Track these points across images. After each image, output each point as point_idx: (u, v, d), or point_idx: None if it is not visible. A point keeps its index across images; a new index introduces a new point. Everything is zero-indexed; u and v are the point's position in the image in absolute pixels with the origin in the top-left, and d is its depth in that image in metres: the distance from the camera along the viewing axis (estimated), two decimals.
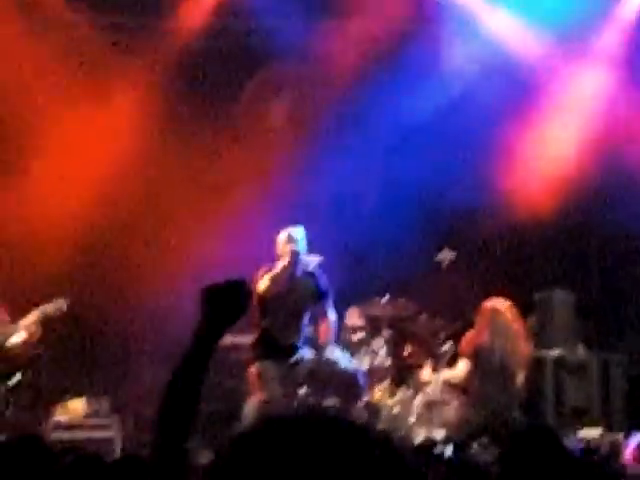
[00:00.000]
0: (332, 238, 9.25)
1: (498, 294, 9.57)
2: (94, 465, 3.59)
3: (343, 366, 8.74)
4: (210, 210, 10.26)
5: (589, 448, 5.92)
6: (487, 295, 9.53)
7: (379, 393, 9.61)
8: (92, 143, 10.25)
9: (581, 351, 10.21)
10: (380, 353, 9.82)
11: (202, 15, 10.82)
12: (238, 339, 9.04)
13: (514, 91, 10.77)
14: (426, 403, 9.39)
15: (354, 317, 9.99)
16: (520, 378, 9.26)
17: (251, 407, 8.45)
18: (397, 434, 9.24)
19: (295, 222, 8.76)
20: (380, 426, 9.26)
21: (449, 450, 7.89)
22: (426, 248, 10.34)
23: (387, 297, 10.04)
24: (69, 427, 9.31)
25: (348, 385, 8.68)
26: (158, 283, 9.91)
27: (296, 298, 8.63)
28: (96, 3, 10.42)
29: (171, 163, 10.51)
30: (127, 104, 10.43)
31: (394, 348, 9.97)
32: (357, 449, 1.29)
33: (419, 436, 9.07)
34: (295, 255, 8.54)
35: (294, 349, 8.64)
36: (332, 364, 8.66)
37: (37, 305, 8.14)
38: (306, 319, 8.79)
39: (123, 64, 10.44)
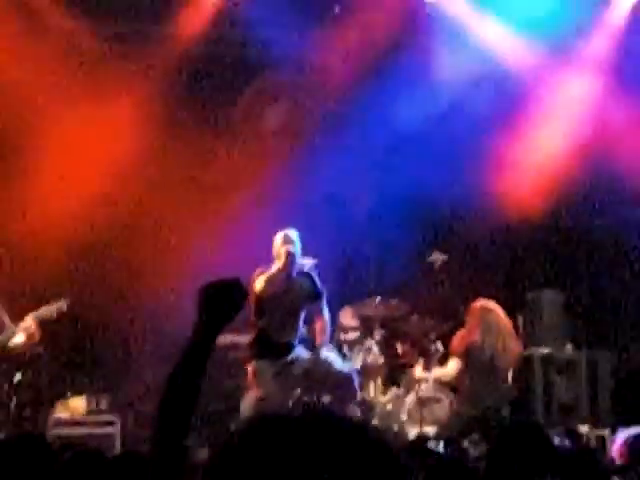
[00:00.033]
0: (326, 240, 9.25)
1: (489, 295, 9.58)
2: (94, 461, 3.59)
3: (338, 367, 8.74)
4: (208, 212, 10.25)
5: (581, 443, 5.92)
6: (478, 296, 9.54)
7: (373, 391, 9.63)
8: (92, 145, 10.23)
9: (569, 349, 10.22)
10: (373, 352, 9.82)
11: (201, 23, 10.82)
12: (236, 338, 9.05)
13: (503, 98, 10.79)
14: (418, 401, 9.40)
15: (348, 317, 9.99)
16: (510, 376, 9.27)
17: (247, 404, 8.45)
18: (390, 431, 9.25)
19: (290, 225, 8.76)
20: (373, 423, 9.27)
21: (440, 446, 7.90)
22: (418, 250, 10.34)
23: (379, 298, 10.06)
24: (70, 424, 9.31)
25: (342, 385, 8.67)
26: (158, 283, 9.90)
27: (292, 298, 8.62)
28: (96, 11, 10.40)
29: (170, 166, 10.50)
30: (126, 108, 10.41)
31: (387, 347, 9.98)
32: (350, 445, 1.28)
33: (411, 433, 9.08)
34: (291, 256, 8.54)
35: (290, 348, 8.64)
36: (327, 365, 8.65)
37: (38, 305, 8.11)
38: (302, 319, 8.79)
39: (123, 69, 10.43)
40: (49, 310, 7.96)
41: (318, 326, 8.74)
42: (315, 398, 8.55)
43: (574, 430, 5.98)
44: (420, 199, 10.48)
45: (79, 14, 10.30)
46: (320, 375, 8.62)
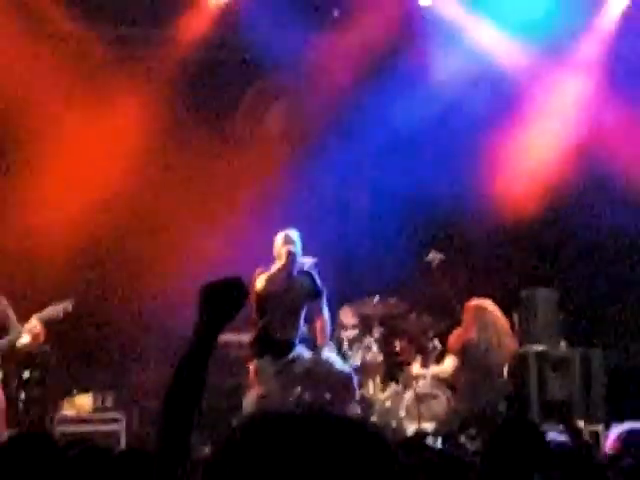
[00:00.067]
0: (326, 240, 9.26)
1: (484, 293, 9.59)
2: (100, 457, 3.60)
3: (338, 367, 8.74)
4: (209, 212, 10.26)
5: (580, 438, 5.93)
6: (474, 294, 9.54)
7: (372, 388, 9.63)
8: (94, 148, 10.23)
9: (563, 347, 10.21)
10: (372, 350, 9.82)
11: (202, 27, 10.81)
12: (238, 337, 9.05)
13: (499, 100, 10.80)
14: (416, 397, 9.41)
15: (347, 316, 9.99)
16: (505, 372, 9.28)
17: (249, 402, 8.45)
18: (389, 427, 9.26)
19: (291, 225, 8.76)
20: (373, 419, 9.27)
21: (439, 442, 7.91)
22: (416, 250, 10.34)
23: (378, 296, 10.06)
24: (76, 421, 9.32)
25: (342, 385, 8.67)
26: (160, 283, 9.91)
27: (293, 297, 8.62)
28: (99, 14, 10.40)
29: (172, 167, 10.51)
30: (128, 110, 10.41)
31: (385, 345, 9.98)
32: (348, 442, 1.29)
33: (410, 429, 9.08)
34: (292, 255, 8.54)
35: (291, 346, 8.63)
36: (328, 365, 8.65)
37: (44, 306, 8.10)
38: (302, 317, 8.79)
39: (125, 72, 10.43)
40: (55, 310, 7.95)
41: (318, 325, 8.75)
42: (316, 396, 8.55)
43: (574, 425, 5.98)
44: (418, 199, 10.48)
45: (82, 17, 10.29)
46: (321, 374, 8.62)
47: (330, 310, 8.93)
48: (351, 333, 9.95)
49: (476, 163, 10.75)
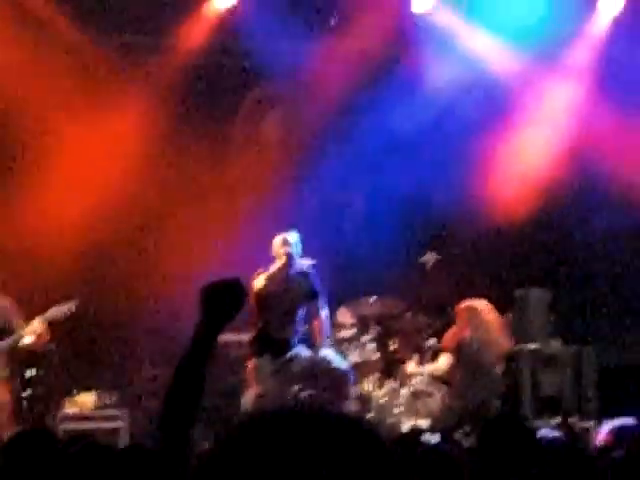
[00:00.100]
0: (324, 242, 9.26)
1: (479, 293, 9.59)
2: (101, 454, 3.59)
3: (336, 365, 8.73)
4: (210, 216, 10.25)
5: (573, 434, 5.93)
6: (469, 294, 9.54)
7: (369, 385, 9.63)
8: (95, 153, 10.23)
9: (555, 345, 10.23)
10: (369, 348, 9.82)
11: (202, 35, 10.81)
12: (238, 337, 9.04)
13: (492, 105, 10.82)
14: (412, 394, 9.41)
15: (345, 315, 9.99)
16: (499, 370, 9.28)
17: (248, 400, 8.44)
18: (385, 423, 9.26)
19: (290, 227, 8.76)
20: (369, 416, 9.27)
21: (434, 438, 7.89)
22: (411, 251, 10.34)
23: (375, 296, 10.07)
24: (79, 418, 9.31)
25: (340, 382, 8.66)
26: (162, 284, 9.91)
27: (291, 297, 8.62)
28: (101, 22, 10.40)
29: (171, 172, 10.51)
30: (129, 117, 10.41)
31: (382, 343, 9.98)
32: (343, 439, 1.28)
33: (406, 425, 9.08)
34: (290, 257, 8.54)
35: (289, 345, 8.62)
36: (326, 362, 8.65)
37: (49, 306, 8.09)
38: (300, 317, 8.78)
39: (125, 79, 10.43)
40: (58, 311, 7.94)
41: (317, 325, 8.74)
42: (313, 394, 8.54)
43: (565, 422, 5.98)
44: (413, 202, 10.49)
45: (83, 25, 10.29)
46: (319, 372, 8.61)
47: (328, 310, 8.92)
48: (348, 332, 9.95)
49: (470, 166, 10.77)
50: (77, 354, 10.12)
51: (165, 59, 10.76)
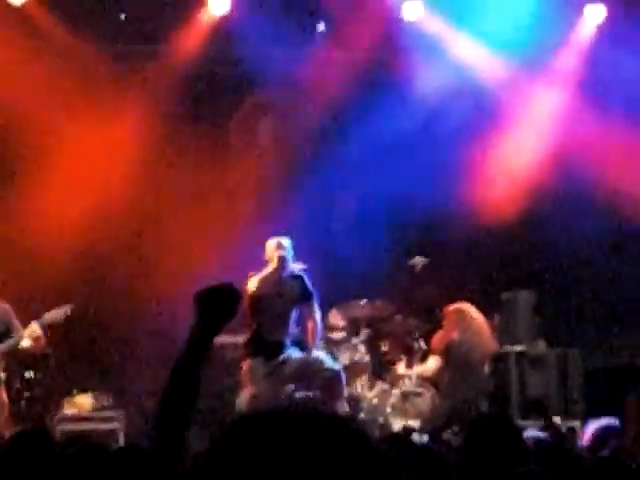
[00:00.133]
0: (314, 246, 9.26)
1: (467, 295, 9.61)
2: (98, 454, 3.59)
3: (327, 366, 8.73)
4: (206, 220, 10.26)
5: (558, 434, 5.94)
6: (457, 297, 9.56)
7: (359, 386, 9.64)
8: (93, 158, 10.24)
9: (542, 346, 10.24)
10: (359, 350, 9.83)
11: (197, 42, 10.82)
12: (234, 339, 9.03)
13: (479, 110, 10.84)
14: (402, 395, 9.42)
15: (336, 318, 10.00)
16: (486, 371, 9.30)
17: (242, 401, 8.44)
18: (376, 423, 9.27)
19: (282, 232, 8.77)
20: (360, 416, 9.28)
21: (424, 438, 7.91)
22: (400, 254, 10.36)
23: (365, 299, 10.08)
24: (76, 419, 9.30)
25: (331, 383, 8.66)
26: (159, 287, 9.91)
27: (284, 300, 8.62)
28: (97, 30, 10.41)
29: (168, 177, 10.51)
30: (126, 123, 10.41)
31: (372, 345, 9.99)
32: (332, 439, 1.29)
33: (396, 425, 9.09)
34: (283, 260, 8.54)
35: (282, 347, 8.62)
36: (318, 363, 8.65)
37: (44, 310, 8.07)
38: (293, 319, 8.78)
39: (123, 86, 10.43)
40: (55, 315, 7.92)
41: (310, 327, 8.74)
42: (306, 394, 8.55)
43: (551, 422, 6.00)
44: (402, 207, 10.51)
45: (80, 33, 10.29)
46: (311, 373, 8.62)
47: (320, 312, 8.93)
48: (339, 334, 9.96)
49: (458, 171, 10.78)
50: (75, 356, 10.12)
51: (161, 66, 10.77)
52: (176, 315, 8.39)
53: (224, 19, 10.69)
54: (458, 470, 3.63)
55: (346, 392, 8.96)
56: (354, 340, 9.90)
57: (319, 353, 8.78)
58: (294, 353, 8.67)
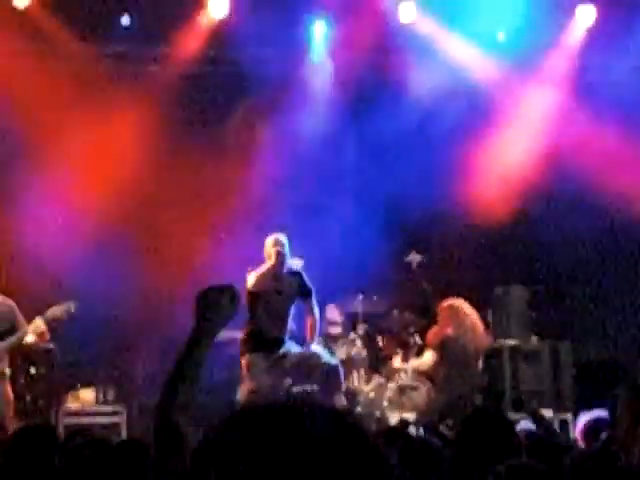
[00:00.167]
0: (313, 243, 9.25)
1: (461, 291, 9.60)
2: (100, 447, 3.60)
3: (325, 360, 8.72)
4: (204, 219, 10.25)
5: (544, 425, 5.95)
6: (451, 292, 9.55)
7: (357, 380, 9.64)
8: (92, 160, 10.23)
9: (534, 341, 10.25)
10: (357, 345, 9.84)
11: (197, 44, 10.81)
12: (232, 334, 9.02)
13: (473, 111, 10.84)
14: (398, 389, 9.42)
15: (333, 313, 10.00)
16: (480, 365, 9.30)
17: (241, 396, 8.43)
18: (373, 416, 9.27)
19: (280, 230, 8.75)
20: (358, 409, 9.28)
21: (421, 431, 7.90)
22: (396, 251, 10.35)
23: (362, 295, 10.08)
24: (80, 414, 9.30)
25: (329, 377, 8.65)
26: (159, 285, 9.90)
27: (283, 296, 8.60)
28: (97, 31, 10.40)
29: (167, 176, 10.51)
30: (125, 124, 10.40)
31: (369, 340, 9.99)
32: (328, 431, 1.29)
33: (392, 418, 9.09)
34: (281, 256, 8.52)
35: (280, 342, 8.61)
36: (316, 358, 8.63)
37: (47, 307, 8.05)
38: (291, 315, 8.77)
39: (122, 87, 10.42)
40: (58, 311, 7.91)
41: (309, 322, 8.72)
42: (304, 388, 8.54)
43: (538, 413, 6.02)
44: (398, 205, 10.51)
45: (80, 35, 10.29)
46: (309, 368, 8.60)
47: (318, 308, 8.92)
48: (337, 330, 9.96)
49: (453, 170, 10.79)
50: (77, 351, 10.10)
51: (160, 67, 10.77)
52: (175, 312, 8.38)
53: (223, 22, 10.68)
54: (452, 462, 3.62)
55: (344, 386, 8.96)
56: (351, 335, 9.90)
57: (317, 348, 8.77)
58: (293, 347, 8.67)
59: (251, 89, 11.07)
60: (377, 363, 9.99)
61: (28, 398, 9.13)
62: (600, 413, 5.79)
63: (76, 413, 9.31)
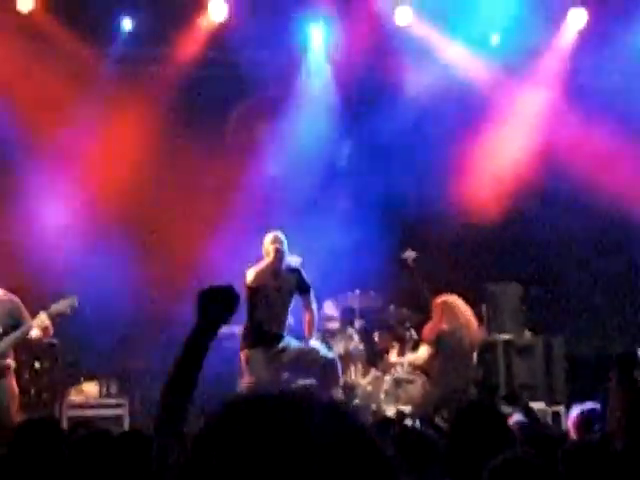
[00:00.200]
0: (311, 240, 9.24)
1: (455, 287, 9.59)
2: (103, 438, 3.59)
3: (323, 354, 8.71)
4: (204, 216, 10.25)
5: (534, 417, 5.95)
6: (446, 288, 9.54)
7: (354, 374, 9.64)
8: (92, 160, 10.22)
9: (528, 335, 10.25)
10: (354, 339, 9.83)
11: (197, 47, 10.80)
12: (231, 329, 9.00)
13: (466, 111, 10.84)
14: (394, 382, 9.42)
15: (331, 308, 10.00)
16: (475, 359, 9.30)
17: (240, 389, 8.41)
18: (369, 409, 9.27)
19: (278, 227, 8.74)
20: (355, 402, 9.28)
21: (417, 423, 7.90)
22: (393, 248, 10.35)
23: (359, 291, 10.07)
24: (83, 406, 9.30)
25: (327, 371, 8.64)
26: (161, 277, 9.90)
27: (282, 292, 8.58)
28: (99, 33, 10.39)
29: (164, 178, 10.52)
30: (127, 124, 10.40)
31: (366, 335, 9.99)
32: (326, 424, 1.27)
33: (389, 410, 9.08)
34: (280, 253, 8.51)
35: (279, 337, 8.60)
36: (314, 352, 8.62)
37: (51, 302, 8.04)
38: (289, 311, 8.75)
39: (123, 89, 10.41)
40: (61, 305, 7.89)
41: (308, 318, 8.70)
42: (302, 382, 8.53)
43: (528, 406, 6.02)
44: (394, 203, 10.51)
45: (82, 37, 10.27)
46: (307, 362, 8.60)
47: (316, 304, 8.91)
48: (334, 324, 9.95)
49: (447, 169, 10.79)
50: (80, 345, 10.09)
51: (161, 69, 10.76)
52: (178, 307, 8.36)
53: (223, 25, 10.67)
54: (446, 455, 3.61)
55: (341, 380, 8.95)
56: (349, 330, 9.90)
57: (315, 342, 8.76)
58: (292, 342, 8.65)
59: (250, 91, 11.06)
60: (374, 357, 9.99)
61: (32, 392, 9.12)
62: (592, 405, 5.79)
63: (80, 406, 9.30)
